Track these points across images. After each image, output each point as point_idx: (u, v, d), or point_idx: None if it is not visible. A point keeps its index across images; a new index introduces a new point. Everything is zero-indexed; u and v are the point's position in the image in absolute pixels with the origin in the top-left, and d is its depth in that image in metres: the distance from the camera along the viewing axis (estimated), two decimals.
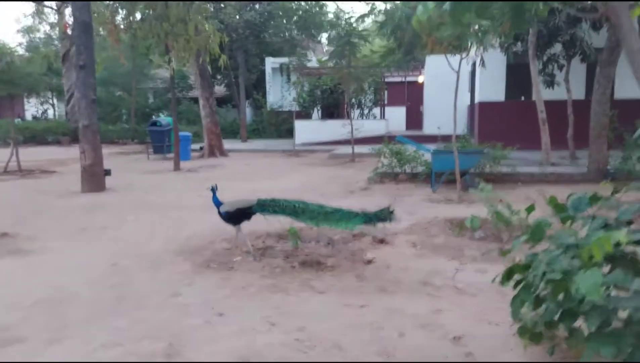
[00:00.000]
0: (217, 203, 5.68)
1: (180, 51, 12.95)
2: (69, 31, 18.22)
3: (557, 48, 13.33)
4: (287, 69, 30.15)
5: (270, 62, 28.75)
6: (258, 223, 5.92)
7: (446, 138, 20.43)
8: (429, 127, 21.18)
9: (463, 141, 11.60)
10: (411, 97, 25.90)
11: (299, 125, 22.64)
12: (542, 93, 12.15)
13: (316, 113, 25.06)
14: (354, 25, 15.03)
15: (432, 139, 20.30)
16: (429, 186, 9.84)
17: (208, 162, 16.36)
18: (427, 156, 10.49)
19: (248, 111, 29.69)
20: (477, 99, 16.61)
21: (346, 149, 18.27)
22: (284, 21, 29.67)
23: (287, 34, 31.34)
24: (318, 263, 5.22)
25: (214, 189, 5.73)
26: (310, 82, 23.19)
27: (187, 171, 13.99)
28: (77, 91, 10.15)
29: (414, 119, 25.97)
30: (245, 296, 4.40)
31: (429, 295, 4.32)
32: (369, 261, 5.22)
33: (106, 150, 21.42)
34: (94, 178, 10.22)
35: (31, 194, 10.22)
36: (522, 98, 15.87)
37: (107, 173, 10.60)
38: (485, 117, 15.82)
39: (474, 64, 18.39)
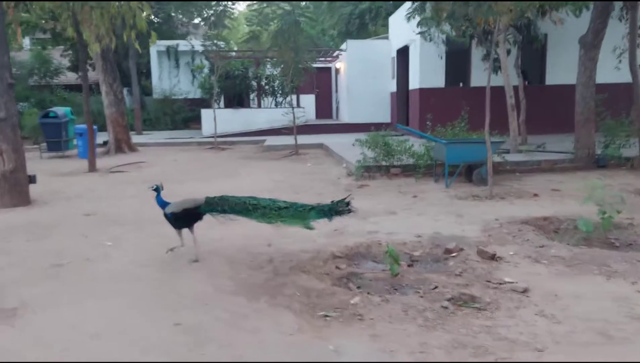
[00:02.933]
0: (162, 204, 5.12)
1: (98, 24, 10.48)
2: None
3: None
4: (175, 52, 27.64)
5: (155, 45, 25.71)
6: (318, 241, 4.47)
7: (368, 127, 19.92)
8: (349, 115, 20.31)
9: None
10: (321, 84, 24.84)
11: (207, 115, 20.51)
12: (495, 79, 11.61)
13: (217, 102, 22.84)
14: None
15: (350, 128, 19.54)
16: (432, 181, 8.87)
17: (123, 159, 13.84)
18: (418, 147, 9.53)
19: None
20: (413, 86, 16.01)
21: (275, 141, 16.79)
22: None
23: (165, 14, 28.59)
24: (472, 298, 3.91)
25: (158, 189, 5.12)
26: (222, 66, 21.05)
27: (109, 172, 11.57)
28: None
29: (324, 107, 25.04)
30: None
31: None
32: (524, 291, 4.02)
33: None
34: (17, 188, 7.70)
35: None
36: (461, 85, 15.58)
37: (32, 180, 8.08)
38: (426, 104, 15.25)
39: (401, 50, 17.89)
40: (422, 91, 15.29)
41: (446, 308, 3.75)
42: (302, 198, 7.80)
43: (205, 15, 31.55)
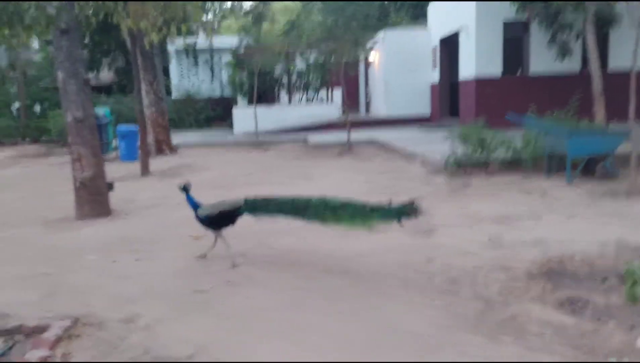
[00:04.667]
0: (194, 205, 4.87)
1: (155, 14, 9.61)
2: None
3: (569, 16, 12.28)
4: (193, 50, 26.72)
5: (173, 43, 24.77)
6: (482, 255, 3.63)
7: (406, 121, 19.10)
8: (387, 109, 19.44)
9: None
10: (347, 78, 23.85)
11: (239, 113, 19.67)
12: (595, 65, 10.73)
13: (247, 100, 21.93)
14: None
15: (388, 122, 18.70)
16: (541, 176, 8.07)
17: (167, 161, 12.99)
18: (518, 141, 8.72)
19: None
20: (466, 76, 15.17)
21: (318, 138, 15.95)
22: None
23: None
24: None
25: (186, 188, 4.89)
26: (252, 63, 20.13)
27: (163, 176, 10.73)
28: (61, 67, 6.67)
29: (352, 102, 24.12)
30: None
31: None
32: None
33: None
34: (97, 197, 6.87)
35: None
36: (519, 73, 14.75)
37: (111, 187, 7.25)
38: (482, 94, 14.42)
39: (446, 39, 17.08)
40: (479, 81, 14.43)
41: None
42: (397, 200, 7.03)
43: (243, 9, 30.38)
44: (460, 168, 8.69)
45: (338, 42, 12.43)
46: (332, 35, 12.47)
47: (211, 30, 10.80)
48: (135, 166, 11.48)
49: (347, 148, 13.43)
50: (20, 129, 20.18)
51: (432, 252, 4.91)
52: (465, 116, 15.45)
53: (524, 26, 14.14)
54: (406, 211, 4.26)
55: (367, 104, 23.00)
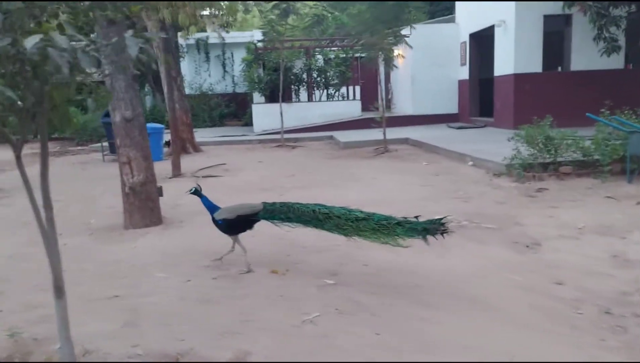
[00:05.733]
0: (212, 208, 4.68)
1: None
2: None
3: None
4: (205, 45, 26.05)
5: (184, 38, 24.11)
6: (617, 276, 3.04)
7: (433, 119, 18.48)
8: (413, 107, 18.83)
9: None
10: (364, 75, 23.24)
11: (258, 110, 19.02)
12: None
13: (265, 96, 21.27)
14: None
15: (413, 120, 18.10)
16: (623, 180, 7.48)
17: (194, 160, 12.36)
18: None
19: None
20: (503, 72, 14.55)
21: (346, 137, 15.32)
22: None
23: None
24: None
25: (198, 191, 4.70)
26: (272, 59, 19.49)
27: (196, 177, 10.11)
28: (108, 61, 6.04)
29: (369, 100, 23.47)
30: None
31: None
32: None
33: (8, 152, 15.98)
34: (148, 204, 6.24)
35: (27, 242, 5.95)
36: (559, 69, 14.14)
37: (160, 192, 6.63)
38: (521, 91, 13.81)
39: (477, 34, 16.48)
40: (518, 77, 13.83)
41: None
42: (473, 207, 6.46)
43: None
44: (526, 170, 8.08)
45: (377, 36, 11.77)
46: (371, 28, 11.81)
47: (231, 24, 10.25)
48: (162, 166, 10.82)
49: (384, 147, 12.80)
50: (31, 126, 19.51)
51: (553, 272, 4.32)
52: (500, 114, 14.87)
53: (566, 19, 13.54)
54: (434, 228, 3.96)
55: (388, 101, 22.36)
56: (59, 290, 2.67)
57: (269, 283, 4.38)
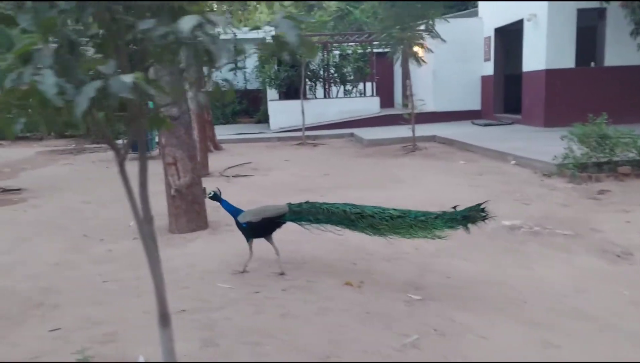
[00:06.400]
0: (234, 212, 4.54)
1: None
2: None
3: None
4: None
5: None
6: None
7: (456, 116, 18.04)
8: (435, 103, 18.38)
9: None
10: (378, 71, 22.78)
11: (275, 107, 18.61)
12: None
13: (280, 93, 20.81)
14: None
15: (435, 117, 17.66)
16: None
17: (218, 159, 11.96)
18: None
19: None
20: (533, 67, 14.12)
21: (370, 134, 14.91)
22: None
23: None
24: None
25: (217, 195, 4.61)
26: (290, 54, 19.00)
27: (227, 177, 9.75)
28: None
29: (384, 96, 23.04)
30: None
31: None
32: None
33: (23, 149, 15.68)
34: (194, 207, 5.85)
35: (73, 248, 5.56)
36: (592, 65, 13.71)
37: (204, 193, 6.24)
38: (552, 88, 13.40)
39: (502, 28, 16.05)
40: (549, 73, 13.41)
41: None
42: (537, 210, 6.07)
43: None
44: (580, 170, 7.68)
45: (408, 31, 11.36)
46: (402, 22, 11.40)
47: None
48: None
49: (412, 145, 12.40)
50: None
51: None
52: (529, 111, 14.45)
53: (600, 13, 13.11)
54: (474, 215, 3.85)
55: (406, 98, 21.93)
56: (164, 318, 2.28)
57: (346, 296, 4.00)
